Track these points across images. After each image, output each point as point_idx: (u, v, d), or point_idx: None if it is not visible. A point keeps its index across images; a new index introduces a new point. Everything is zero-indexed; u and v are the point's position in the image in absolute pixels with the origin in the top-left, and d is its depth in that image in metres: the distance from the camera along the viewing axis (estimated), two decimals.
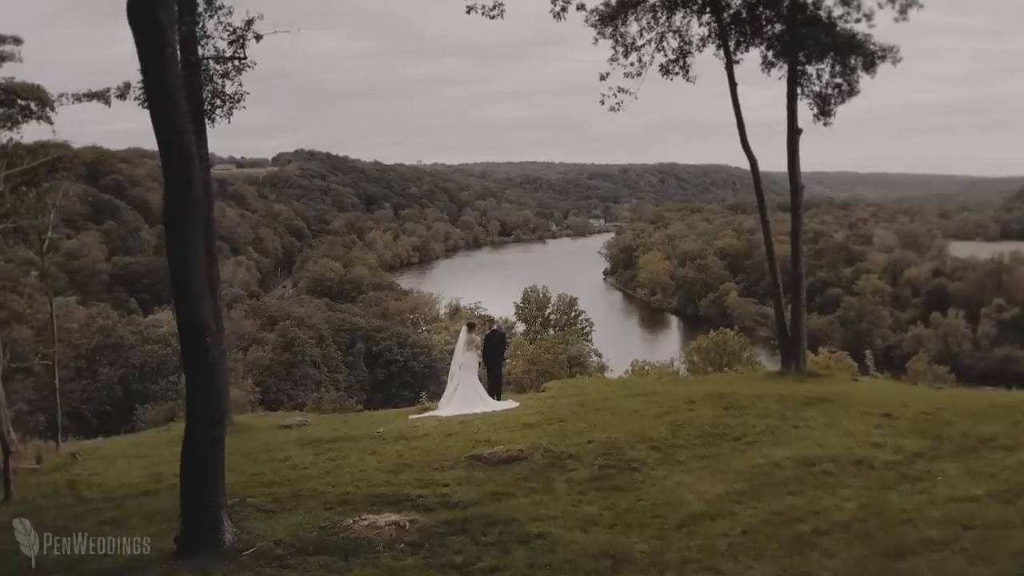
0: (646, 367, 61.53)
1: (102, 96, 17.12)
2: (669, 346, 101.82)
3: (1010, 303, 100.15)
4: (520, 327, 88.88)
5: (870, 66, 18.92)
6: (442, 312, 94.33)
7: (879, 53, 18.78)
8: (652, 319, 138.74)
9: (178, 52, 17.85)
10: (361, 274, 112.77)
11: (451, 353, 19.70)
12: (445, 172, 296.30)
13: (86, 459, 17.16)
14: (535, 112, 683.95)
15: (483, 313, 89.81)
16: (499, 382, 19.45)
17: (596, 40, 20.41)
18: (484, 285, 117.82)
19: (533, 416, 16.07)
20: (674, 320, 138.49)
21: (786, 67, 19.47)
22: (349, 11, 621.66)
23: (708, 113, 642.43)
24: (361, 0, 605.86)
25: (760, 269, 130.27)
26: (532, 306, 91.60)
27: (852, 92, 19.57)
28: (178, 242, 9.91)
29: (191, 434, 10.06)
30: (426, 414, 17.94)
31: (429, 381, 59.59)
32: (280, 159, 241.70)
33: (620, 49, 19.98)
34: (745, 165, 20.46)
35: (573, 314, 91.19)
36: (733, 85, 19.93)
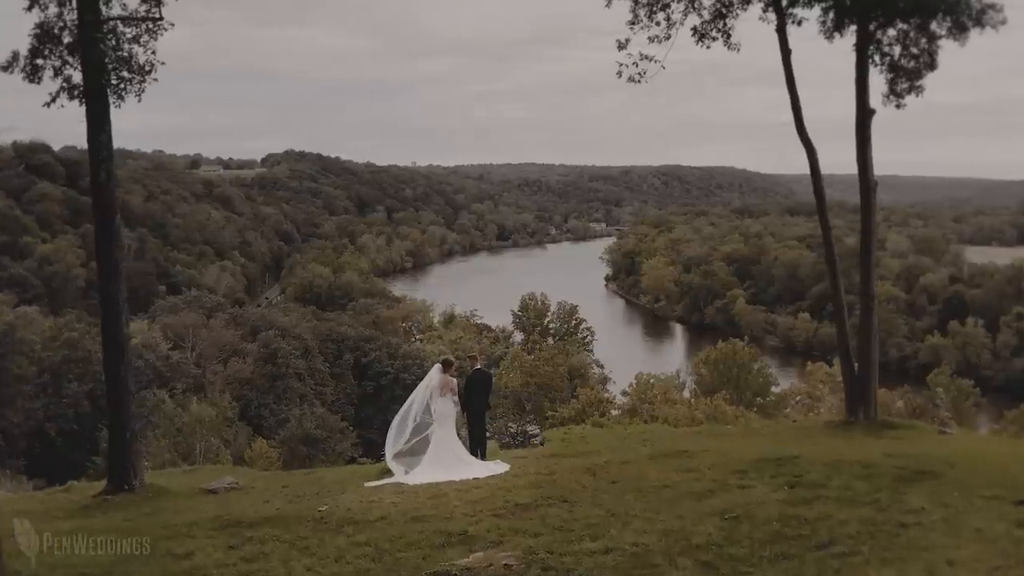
0: (651, 380, 58.68)
1: None
2: (674, 356, 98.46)
3: None
4: (518, 336, 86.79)
5: (962, 30, 14.68)
6: (436, 320, 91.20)
7: (977, 13, 14.51)
8: (656, 327, 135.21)
9: None
10: (351, 280, 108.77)
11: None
12: (440, 174, 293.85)
13: None
14: (534, 112, 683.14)
15: (479, 321, 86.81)
16: (483, 437, 15.01)
17: (609, 2, 16.27)
18: (480, 292, 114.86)
19: (527, 490, 12.36)
20: (679, 328, 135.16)
21: (855, 32, 15.21)
22: (341, 7, 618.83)
23: (713, 113, 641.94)
24: None
25: (768, 275, 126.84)
26: (530, 314, 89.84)
27: (932, 66, 15.52)
28: None
29: None
30: (387, 480, 13.73)
31: None
32: (269, 160, 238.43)
33: (642, 9, 15.75)
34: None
35: (573, 323, 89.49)
36: (786, 53, 15.71)
